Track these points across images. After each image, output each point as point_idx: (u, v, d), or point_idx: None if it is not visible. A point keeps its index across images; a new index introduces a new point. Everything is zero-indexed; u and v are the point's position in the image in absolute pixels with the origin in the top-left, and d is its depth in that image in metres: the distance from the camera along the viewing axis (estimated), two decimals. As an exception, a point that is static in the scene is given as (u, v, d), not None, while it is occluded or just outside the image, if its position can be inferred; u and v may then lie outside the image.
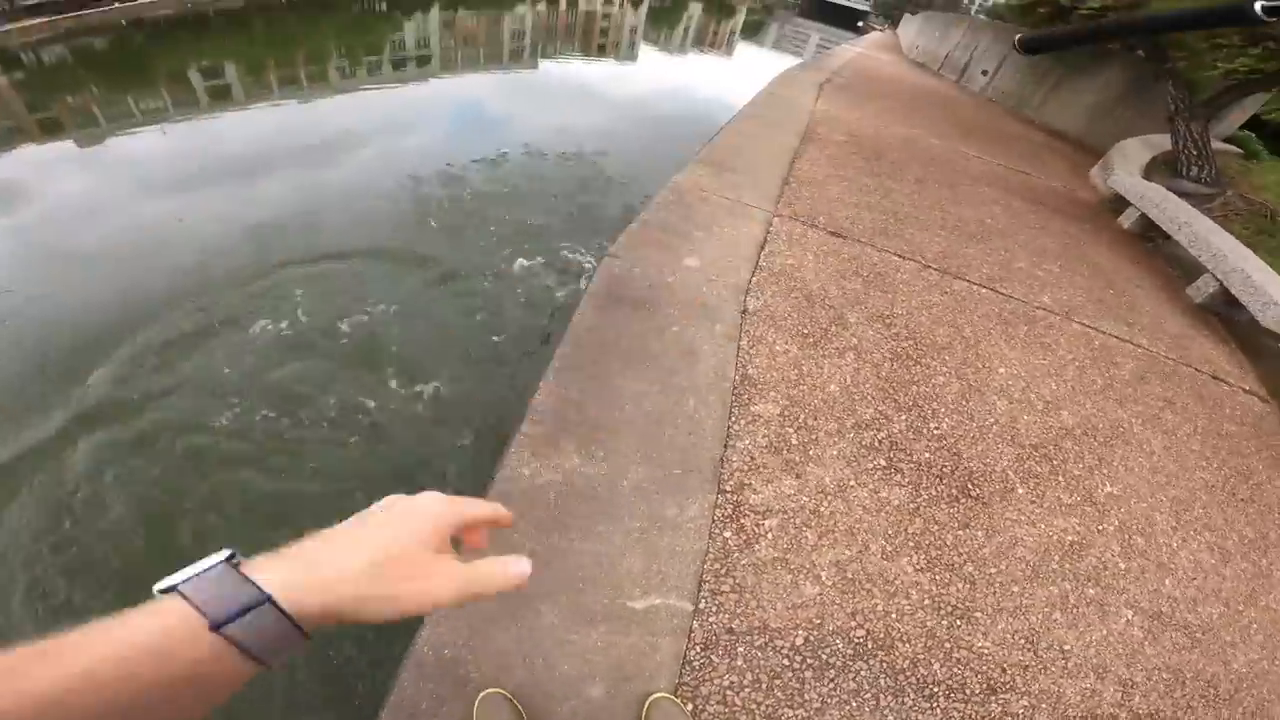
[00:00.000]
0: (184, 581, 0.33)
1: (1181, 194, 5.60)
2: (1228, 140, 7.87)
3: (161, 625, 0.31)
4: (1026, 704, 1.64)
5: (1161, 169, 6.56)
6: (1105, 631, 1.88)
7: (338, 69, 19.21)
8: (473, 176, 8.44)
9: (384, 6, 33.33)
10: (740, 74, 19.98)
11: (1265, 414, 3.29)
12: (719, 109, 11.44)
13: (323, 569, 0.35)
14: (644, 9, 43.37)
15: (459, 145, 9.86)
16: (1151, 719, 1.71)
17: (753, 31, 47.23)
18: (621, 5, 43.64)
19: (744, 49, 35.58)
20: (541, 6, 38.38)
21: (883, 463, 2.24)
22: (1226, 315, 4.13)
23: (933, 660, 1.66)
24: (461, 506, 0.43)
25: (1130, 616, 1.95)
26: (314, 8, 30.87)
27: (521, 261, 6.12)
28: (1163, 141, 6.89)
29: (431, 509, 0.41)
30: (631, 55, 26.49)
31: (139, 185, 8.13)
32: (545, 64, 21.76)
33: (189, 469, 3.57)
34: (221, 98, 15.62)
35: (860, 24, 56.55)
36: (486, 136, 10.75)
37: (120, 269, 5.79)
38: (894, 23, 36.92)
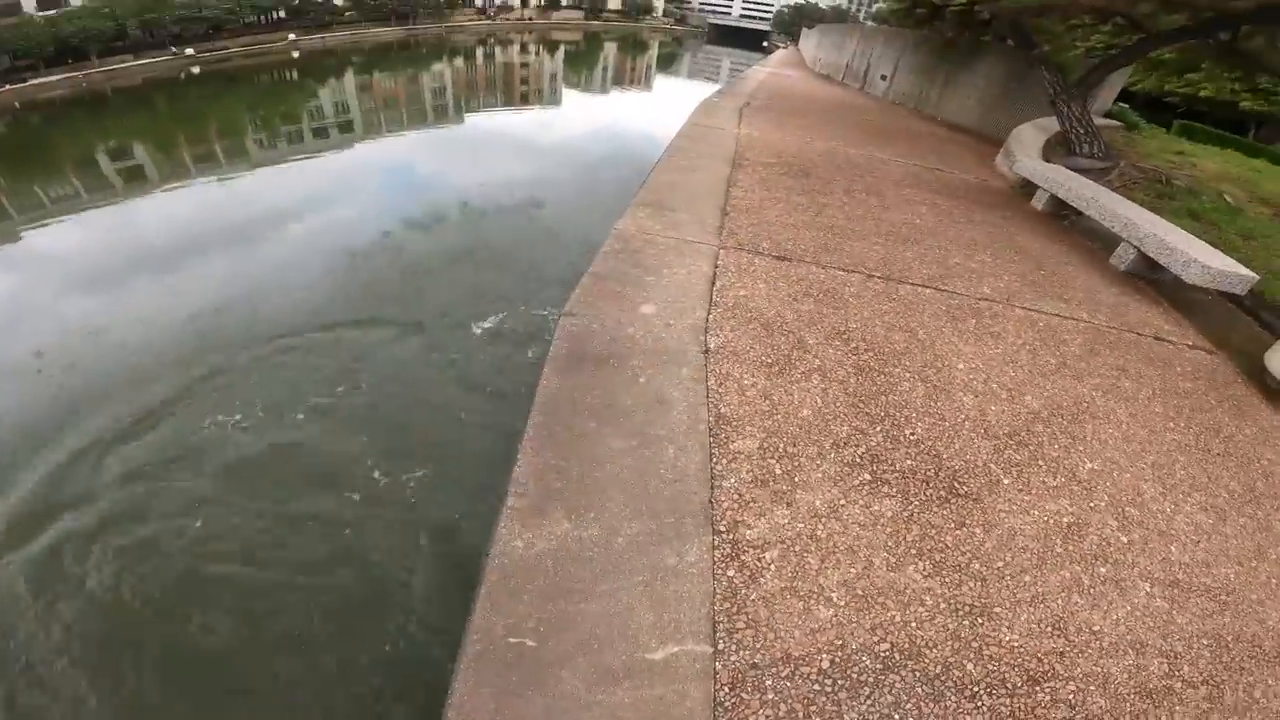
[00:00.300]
0: None
1: (1080, 171, 6.08)
2: (1108, 115, 8.62)
3: None
4: (1075, 688, 1.64)
5: (1057, 150, 7.10)
6: (1129, 607, 1.91)
7: (256, 141, 18.83)
8: (413, 244, 8.34)
9: (294, 75, 33.18)
10: (663, 106, 20.73)
11: (1215, 366, 3.49)
12: (648, 144, 11.79)
13: None
14: (560, 54, 44.72)
15: (395, 211, 9.77)
16: (1208, 685, 1.72)
17: (668, 63, 49.32)
18: (538, 53, 44.88)
19: (662, 81, 37.07)
20: (459, 62, 39.04)
21: (868, 477, 2.25)
22: (1151, 278, 4.43)
23: (965, 661, 1.66)
24: None
25: (1149, 589, 1.98)
26: (218, 81, 30.39)
27: (482, 325, 6.02)
28: (1051, 124, 7.49)
29: None
30: (555, 100, 27.15)
31: (62, 281, 7.76)
32: (471, 118, 22.02)
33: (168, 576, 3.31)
34: (136, 179, 15.01)
35: (765, 44, 59.97)
36: (422, 199, 10.70)
37: (52, 372, 5.46)
38: (794, 39, 39.37)
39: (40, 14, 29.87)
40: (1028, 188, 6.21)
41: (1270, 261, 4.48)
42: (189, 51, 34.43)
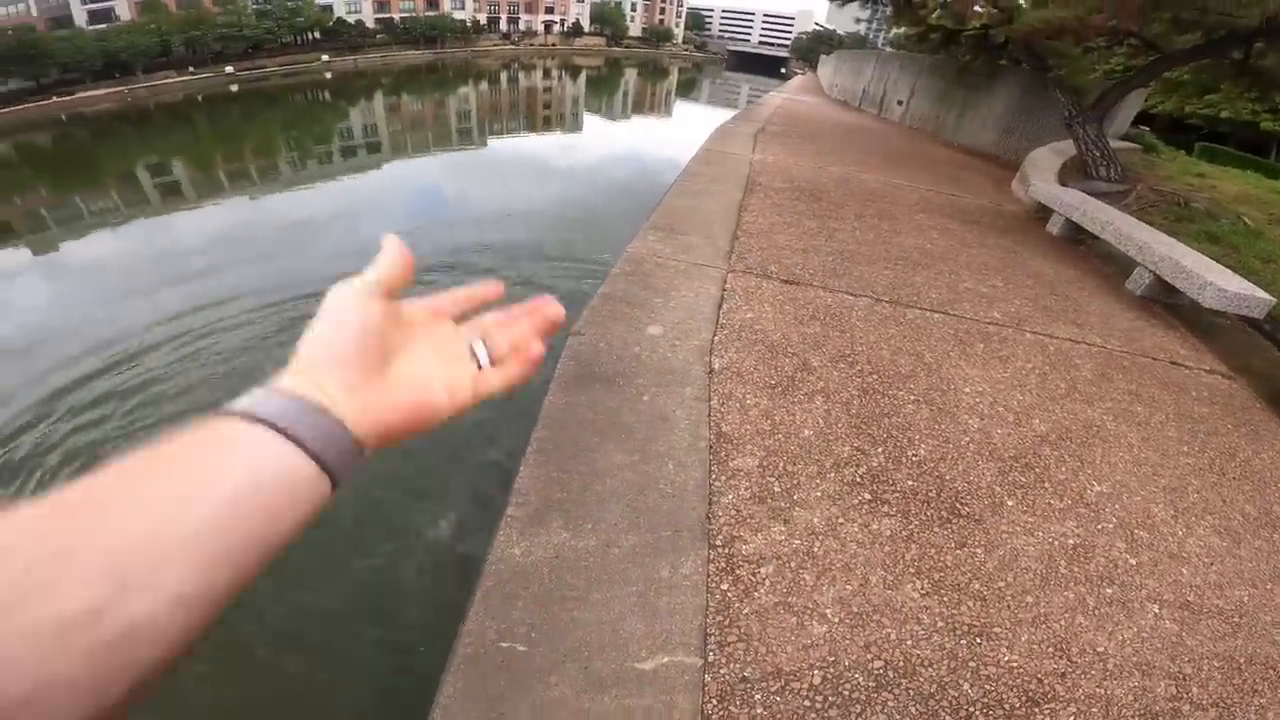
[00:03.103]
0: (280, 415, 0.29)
1: (1096, 194, 6.05)
2: (1125, 138, 8.57)
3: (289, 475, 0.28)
4: (1075, 710, 1.61)
5: (1074, 173, 7.08)
6: (1136, 629, 1.87)
7: (288, 162, 19.62)
8: (437, 263, 8.57)
9: (327, 95, 34.56)
10: (681, 132, 21.10)
11: (1232, 391, 3.42)
12: (667, 167, 12.00)
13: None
14: (582, 79, 45.94)
15: (421, 231, 10.05)
16: (1217, 708, 1.68)
17: (687, 89, 50.26)
18: (560, 79, 46.16)
19: (682, 107, 37.75)
20: (484, 86, 40.33)
21: (868, 496, 2.26)
22: (1169, 302, 4.37)
23: (961, 681, 1.64)
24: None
25: (1158, 610, 1.95)
26: (257, 100, 31.58)
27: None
28: (1068, 148, 7.47)
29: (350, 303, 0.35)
30: (577, 126, 27.81)
31: (92, 293, 8.12)
32: (494, 142, 22.68)
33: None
34: (172, 194, 15.67)
35: (783, 70, 60.92)
36: (447, 219, 11.01)
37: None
38: (813, 65, 39.92)
39: (91, 28, 31.52)
40: (1043, 212, 6.20)
41: (1291, 285, 4.39)
42: (229, 69, 35.95)
